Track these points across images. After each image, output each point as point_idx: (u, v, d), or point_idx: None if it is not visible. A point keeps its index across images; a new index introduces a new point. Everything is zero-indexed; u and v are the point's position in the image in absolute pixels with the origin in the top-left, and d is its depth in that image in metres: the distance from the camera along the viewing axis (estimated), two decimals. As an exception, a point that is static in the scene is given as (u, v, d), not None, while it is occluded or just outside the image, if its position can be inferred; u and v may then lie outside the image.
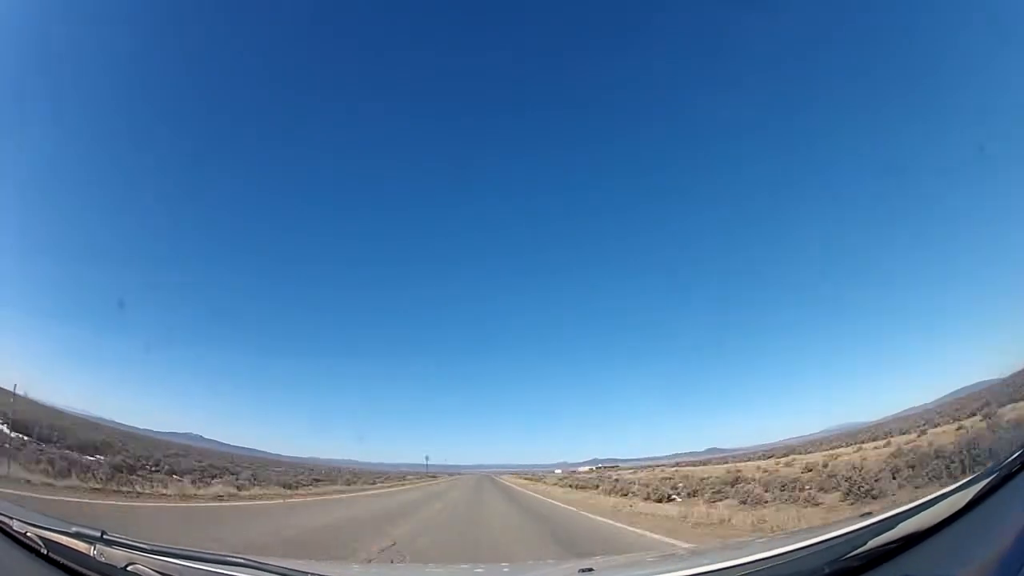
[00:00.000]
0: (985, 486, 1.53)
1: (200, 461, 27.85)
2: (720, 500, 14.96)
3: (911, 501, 1.60)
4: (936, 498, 1.55)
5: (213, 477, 21.96)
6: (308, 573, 1.92)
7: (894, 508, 1.61)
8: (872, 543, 1.49)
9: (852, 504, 10.98)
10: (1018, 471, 1.54)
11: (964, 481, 1.57)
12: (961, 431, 16.76)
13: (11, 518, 1.97)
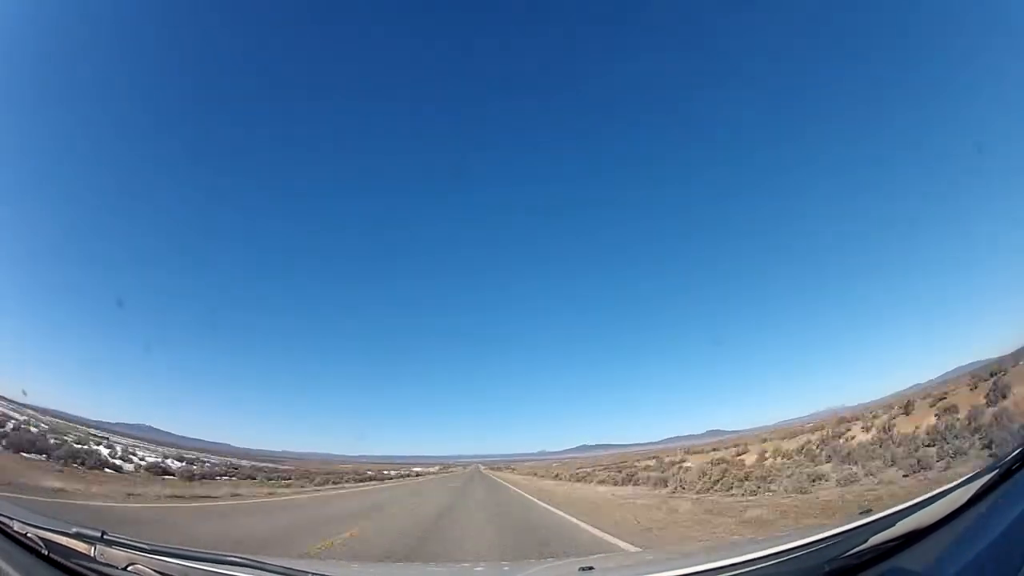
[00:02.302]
0: (985, 483, 1.53)
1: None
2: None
3: (912, 499, 1.61)
4: (936, 495, 1.55)
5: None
6: (308, 573, 1.92)
7: (894, 506, 1.61)
8: (872, 541, 1.50)
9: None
10: (1018, 468, 1.55)
11: (964, 478, 1.57)
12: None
13: (11, 519, 1.96)
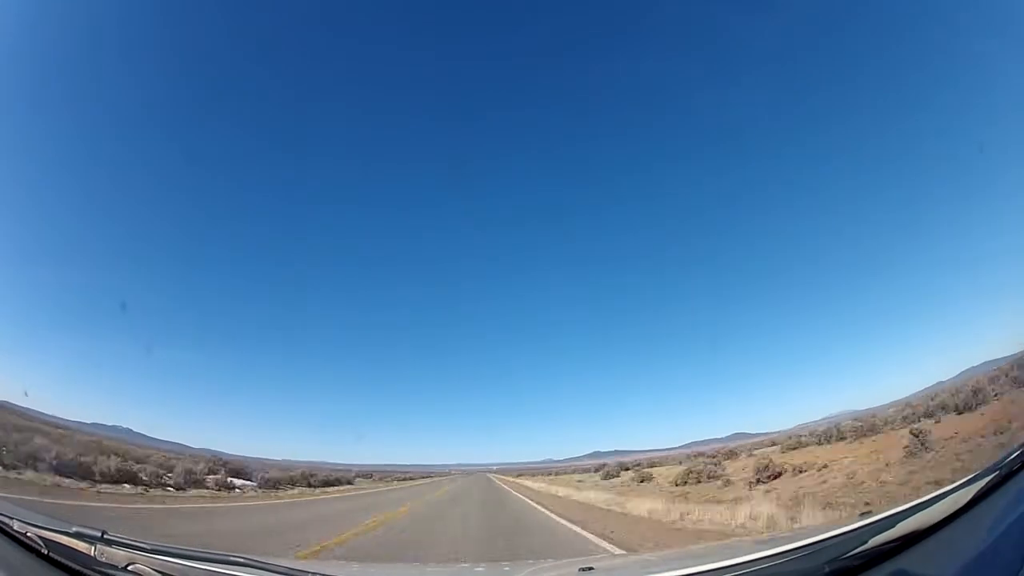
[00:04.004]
0: (985, 485, 1.53)
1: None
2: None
3: (912, 500, 1.61)
4: (936, 497, 1.55)
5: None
6: (308, 572, 1.93)
7: (894, 507, 1.61)
8: (872, 542, 1.50)
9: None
10: (1018, 470, 1.55)
11: (964, 480, 1.57)
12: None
13: (11, 518, 1.97)
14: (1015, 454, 1.56)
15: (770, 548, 1.64)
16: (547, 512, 13.76)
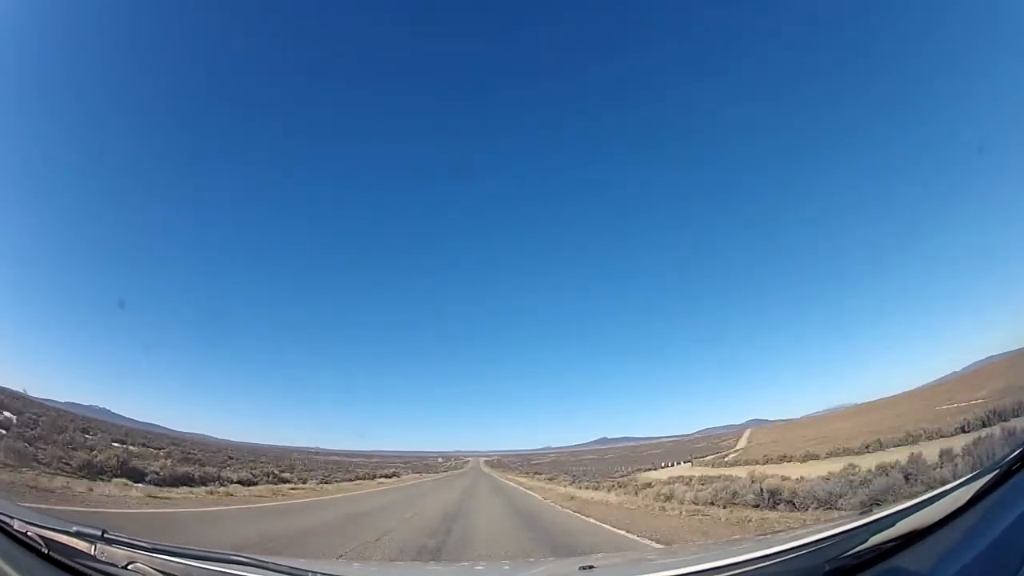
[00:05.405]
0: (985, 484, 1.53)
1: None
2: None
3: (912, 499, 1.61)
4: (936, 496, 1.55)
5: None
6: (309, 572, 1.93)
7: (894, 506, 1.61)
8: (872, 541, 1.50)
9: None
10: (1018, 469, 1.54)
11: (964, 479, 1.57)
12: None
13: (12, 518, 1.97)
14: (1015, 453, 1.55)
15: (770, 547, 1.64)
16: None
